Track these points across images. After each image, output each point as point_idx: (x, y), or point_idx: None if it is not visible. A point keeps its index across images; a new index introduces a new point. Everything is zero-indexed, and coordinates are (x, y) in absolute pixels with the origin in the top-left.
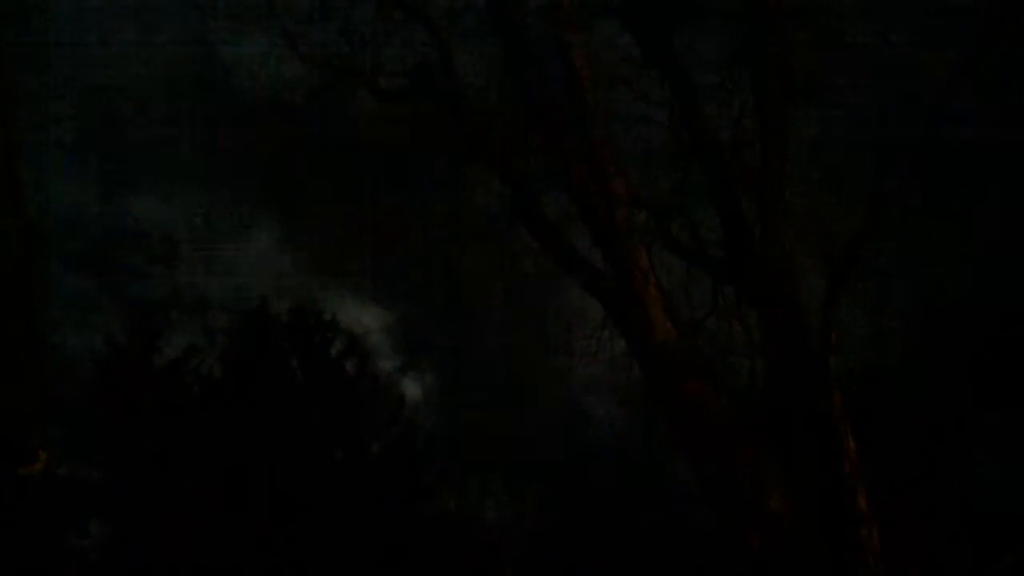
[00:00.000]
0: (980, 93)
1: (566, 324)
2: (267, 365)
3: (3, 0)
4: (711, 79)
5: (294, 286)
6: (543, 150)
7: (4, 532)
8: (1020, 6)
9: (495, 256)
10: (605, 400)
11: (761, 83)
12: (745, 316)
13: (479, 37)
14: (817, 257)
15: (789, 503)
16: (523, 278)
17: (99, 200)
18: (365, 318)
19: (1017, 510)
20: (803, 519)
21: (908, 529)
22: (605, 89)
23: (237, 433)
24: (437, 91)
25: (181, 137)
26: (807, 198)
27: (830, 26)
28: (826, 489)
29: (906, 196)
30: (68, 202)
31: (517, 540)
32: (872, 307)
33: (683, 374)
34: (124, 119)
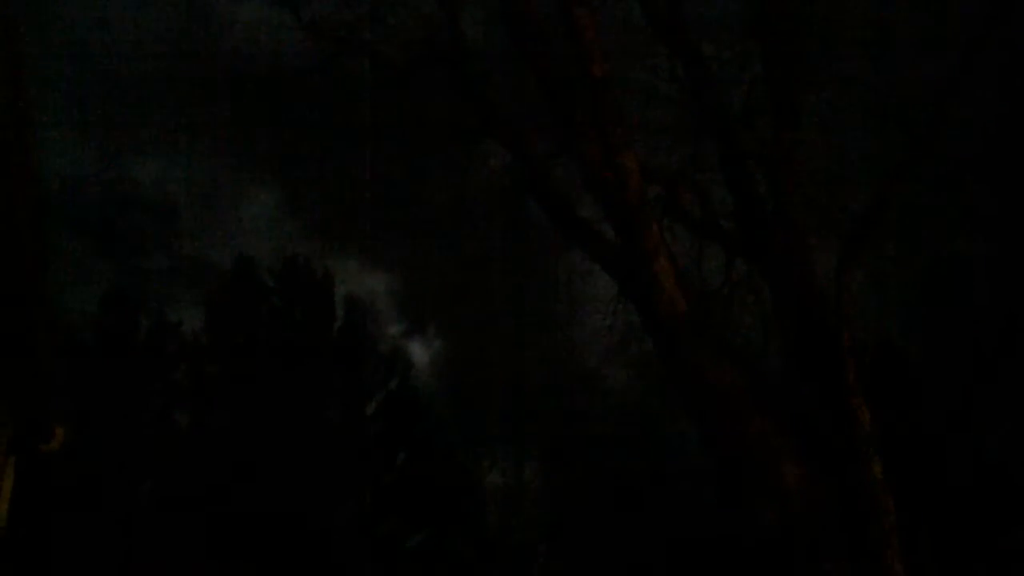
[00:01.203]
0: (988, 69)
1: (575, 295)
2: (252, 322)
3: None
4: (722, 52)
5: (298, 251)
6: (554, 124)
7: (31, 510)
8: None
9: (504, 225)
10: (613, 370)
11: (772, 56)
12: (758, 288)
13: (488, 6)
14: (829, 229)
15: (803, 474)
16: (532, 247)
17: (100, 164)
18: (370, 282)
19: None
20: (818, 490)
21: (922, 498)
22: (616, 62)
23: (224, 393)
24: (444, 62)
25: (182, 102)
26: (819, 170)
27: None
28: (841, 459)
29: (917, 168)
30: (69, 166)
31: (519, 504)
32: (884, 278)
33: (696, 347)
34: (126, 84)
